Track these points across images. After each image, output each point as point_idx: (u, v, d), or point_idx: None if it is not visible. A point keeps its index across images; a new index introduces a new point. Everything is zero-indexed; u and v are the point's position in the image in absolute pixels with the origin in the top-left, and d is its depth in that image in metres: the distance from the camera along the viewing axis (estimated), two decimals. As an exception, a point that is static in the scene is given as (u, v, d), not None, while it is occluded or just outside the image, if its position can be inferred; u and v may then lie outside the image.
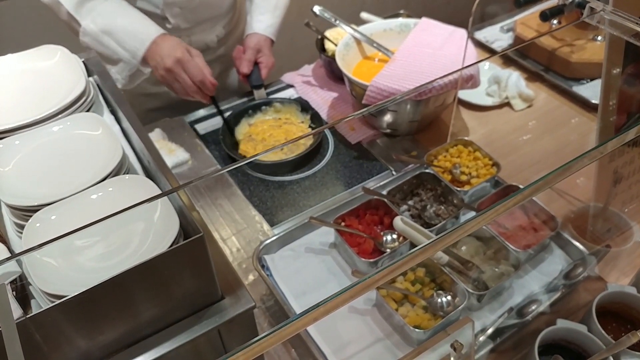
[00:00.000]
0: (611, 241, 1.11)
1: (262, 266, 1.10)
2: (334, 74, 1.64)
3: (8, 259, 0.52)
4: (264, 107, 1.52)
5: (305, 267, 1.10)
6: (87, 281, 0.58)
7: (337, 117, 1.53)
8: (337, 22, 1.51)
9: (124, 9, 1.36)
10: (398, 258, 0.56)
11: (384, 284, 0.99)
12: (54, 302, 0.60)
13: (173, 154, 1.37)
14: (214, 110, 1.55)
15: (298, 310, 1.02)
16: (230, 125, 1.46)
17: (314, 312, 0.51)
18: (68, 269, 0.65)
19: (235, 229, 1.22)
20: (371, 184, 1.28)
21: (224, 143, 1.39)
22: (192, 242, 0.63)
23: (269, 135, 1.44)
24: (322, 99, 1.58)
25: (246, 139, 1.45)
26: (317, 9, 1.53)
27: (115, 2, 1.36)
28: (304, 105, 1.52)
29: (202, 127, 1.50)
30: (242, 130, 1.48)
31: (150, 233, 0.69)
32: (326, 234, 1.15)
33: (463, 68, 1.27)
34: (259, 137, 1.45)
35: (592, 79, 1.58)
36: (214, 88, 1.41)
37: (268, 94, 1.60)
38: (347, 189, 1.32)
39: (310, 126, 1.49)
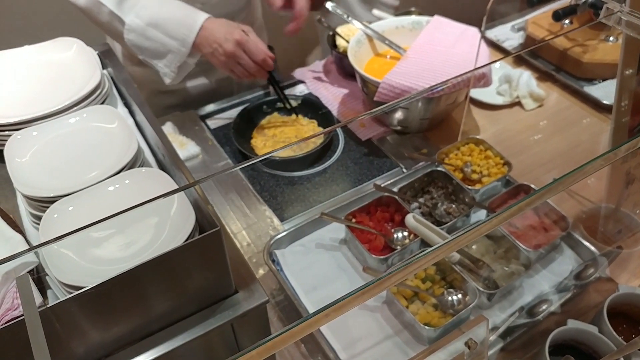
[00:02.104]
0: (622, 242, 1.10)
1: (273, 261, 1.11)
2: (344, 71, 1.64)
3: (29, 250, 0.52)
4: (278, 103, 1.52)
5: (316, 263, 1.11)
6: (104, 273, 0.58)
7: (347, 113, 1.53)
8: (350, 18, 1.51)
9: None
10: (415, 257, 0.56)
11: (394, 281, 0.99)
12: (71, 292, 0.60)
13: (184, 148, 1.37)
14: (225, 105, 1.55)
15: (308, 306, 1.03)
16: (284, 95, 1.48)
17: (327, 311, 0.51)
18: (85, 261, 0.66)
19: (245, 224, 1.22)
20: (381, 181, 1.28)
21: (234, 136, 1.40)
22: (209, 236, 0.63)
23: (280, 131, 1.44)
24: (332, 95, 1.58)
25: (258, 133, 1.46)
26: (329, 5, 1.52)
27: None
28: (316, 104, 1.52)
29: (213, 122, 1.51)
30: (255, 124, 1.49)
31: (167, 226, 0.69)
32: (336, 230, 1.15)
33: (477, 68, 1.27)
34: (270, 132, 1.45)
35: (604, 80, 1.57)
36: (273, 61, 1.38)
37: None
38: (357, 186, 1.32)
39: (320, 125, 1.49)
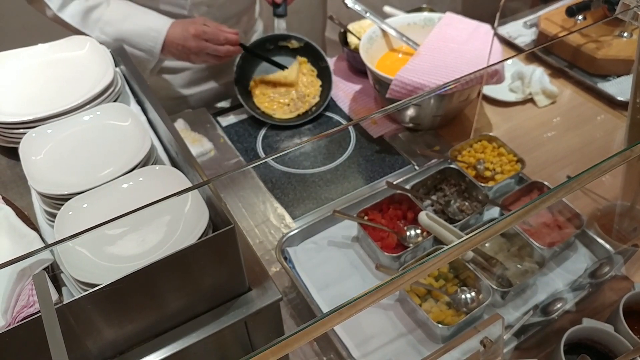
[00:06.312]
0: (638, 240, 1.09)
1: (285, 258, 1.10)
2: (356, 67, 1.64)
3: (45, 247, 0.52)
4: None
5: (328, 260, 1.10)
6: (119, 270, 0.58)
7: (359, 110, 1.52)
8: (368, 14, 1.50)
9: (128, 10, 1.33)
10: (430, 256, 0.56)
11: (407, 279, 0.99)
12: (86, 290, 0.60)
13: (196, 144, 1.37)
14: (237, 102, 1.55)
15: (320, 303, 1.02)
16: (271, 60, 1.53)
17: (341, 310, 0.50)
18: (100, 258, 0.66)
19: (257, 221, 1.22)
20: (393, 178, 1.28)
21: (237, 87, 1.48)
22: (223, 233, 0.63)
23: (284, 90, 1.53)
24: (344, 92, 1.58)
25: (258, 85, 1.54)
26: (349, 1, 1.50)
27: (117, 3, 1.33)
28: (318, 54, 1.56)
29: (225, 120, 1.50)
30: (257, 74, 1.55)
31: (181, 224, 0.69)
32: (349, 228, 1.15)
33: (490, 65, 1.25)
34: (270, 85, 1.54)
35: (618, 76, 1.55)
36: (237, 36, 1.38)
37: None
38: (368, 183, 1.31)
39: (319, 76, 1.56)
